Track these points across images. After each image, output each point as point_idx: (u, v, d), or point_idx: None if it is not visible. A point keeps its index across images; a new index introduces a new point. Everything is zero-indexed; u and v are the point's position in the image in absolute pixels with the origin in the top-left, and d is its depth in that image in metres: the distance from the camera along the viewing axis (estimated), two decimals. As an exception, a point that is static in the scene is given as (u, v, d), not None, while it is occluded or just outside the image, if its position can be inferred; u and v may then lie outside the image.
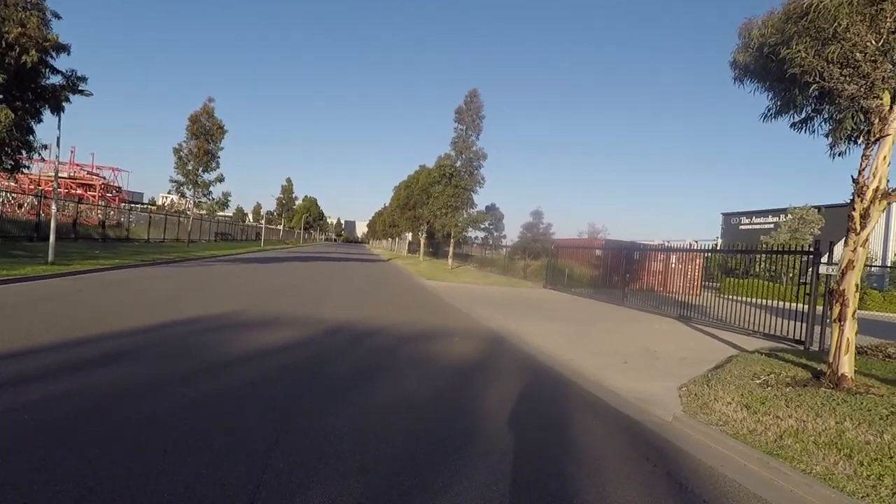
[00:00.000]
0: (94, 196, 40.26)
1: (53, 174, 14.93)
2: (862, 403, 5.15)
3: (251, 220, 76.83)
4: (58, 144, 14.00)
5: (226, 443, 3.48)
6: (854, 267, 5.80)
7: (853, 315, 5.84)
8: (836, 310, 5.92)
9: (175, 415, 3.95)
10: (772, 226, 39.83)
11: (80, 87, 14.08)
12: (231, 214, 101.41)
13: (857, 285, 5.83)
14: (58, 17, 13.96)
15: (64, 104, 13.97)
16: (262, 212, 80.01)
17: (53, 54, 13.89)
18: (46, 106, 13.94)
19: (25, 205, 28.35)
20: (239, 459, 3.24)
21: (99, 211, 29.23)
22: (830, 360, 5.98)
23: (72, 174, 43.04)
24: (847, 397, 5.36)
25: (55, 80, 13.98)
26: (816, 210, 35.58)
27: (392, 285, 18.30)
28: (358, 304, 11.77)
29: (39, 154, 15.36)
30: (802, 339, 9.44)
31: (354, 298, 12.95)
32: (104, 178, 46.06)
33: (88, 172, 44.82)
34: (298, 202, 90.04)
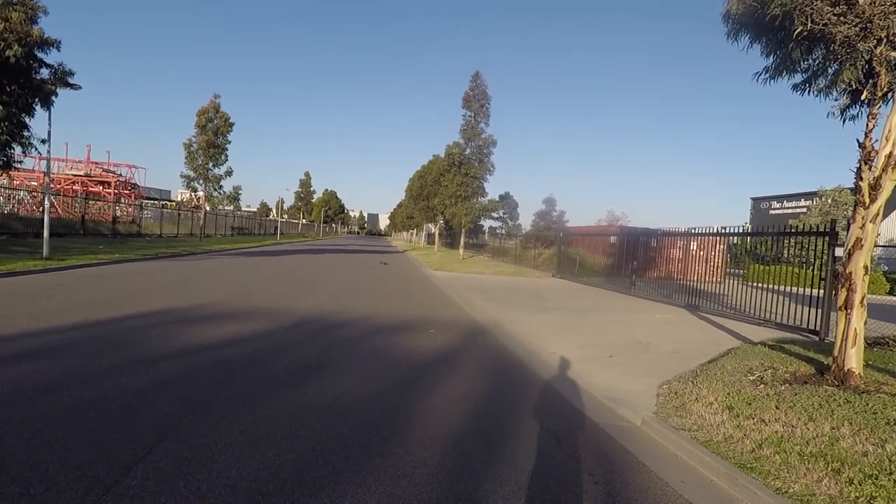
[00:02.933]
0: (109, 193, 40.95)
1: (46, 169, 14.83)
2: (867, 405, 4.40)
3: (275, 215, 77.45)
4: (48, 139, 13.89)
5: (85, 456, 3.01)
6: (862, 246, 5.00)
7: (862, 301, 5.05)
8: (843, 295, 5.13)
9: (52, 419, 3.51)
10: (804, 209, 37.81)
11: (68, 81, 13.90)
12: (255, 209, 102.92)
13: (866, 267, 5.02)
14: (45, 12, 13.83)
15: (53, 98, 13.82)
16: (285, 206, 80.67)
17: (42, 49, 13.80)
18: (36, 100, 13.83)
19: (25, 201, 28.79)
20: (89, 476, 2.77)
21: (113, 207, 29.56)
22: (836, 353, 5.21)
23: (88, 172, 43.88)
24: (851, 397, 4.61)
25: (44, 74, 13.85)
26: (850, 192, 33.64)
27: (393, 276, 17.81)
28: (345, 296, 11.31)
29: (37, 150, 15.32)
30: (818, 328, 8.57)
31: (344, 290, 12.50)
32: (120, 175, 46.83)
33: (104, 170, 45.59)
34: (318, 196, 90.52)
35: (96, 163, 46.49)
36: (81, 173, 43.58)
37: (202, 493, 2.68)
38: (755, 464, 3.45)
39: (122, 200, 39.63)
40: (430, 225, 53.84)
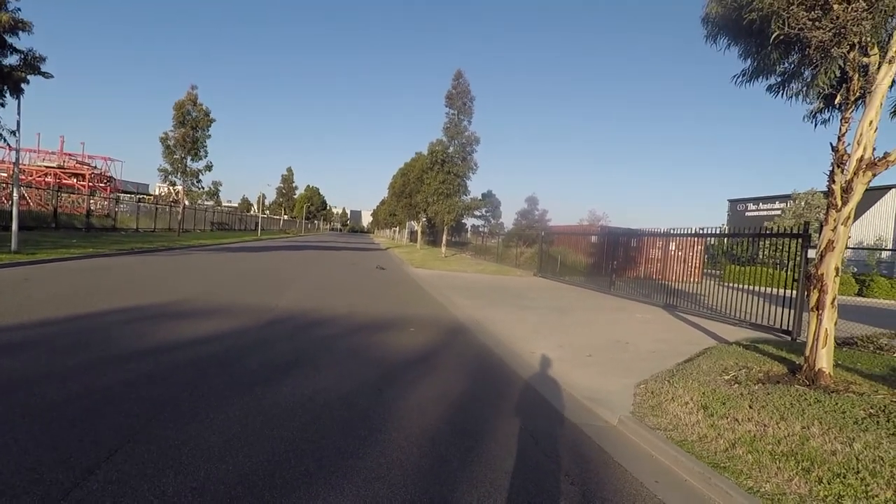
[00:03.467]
0: (83, 186, 39.83)
1: (15, 160, 14.34)
2: (837, 404, 4.49)
3: (256, 210, 76.32)
4: (17, 129, 13.44)
5: (44, 459, 2.90)
6: (834, 248, 5.09)
7: (833, 302, 5.15)
8: (815, 297, 5.23)
9: (9, 420, 3.37)
10: (778, 212, 38.66)
11: (39, 68, 13.46)
12: (236, 205, 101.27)
13: (837, 269, 5.12)
14: (15, -4, 13.36)
15: (23, 86, 13.37)
16: (266, 202, 79.56)
17: (12, 33, 13.32)
18: (5, 88, 13.36)
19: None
20: (46, 480, 2.66)
21: (87, 200, 28.75)
22: (807, 353, 5.30)
23: (61, 164, 42.60)
24: (821, 396, 4.70)
25: (13, 60, 13.38)
26: (823, 195, 34.49)
27: (374, 274, 17.69)
28: (323, 294, 11.18)
29: (5, 140, 14.81)
30: (790, 328, 8.75)
31: (323, 288, 12.36)
32: (95, 167, 45.58)
33: (78, 162, 44.28)
34: (300, 192, 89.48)
35: (70, 154, 45.09)
36: (54, 165, 42.27)
37: (167, 497, 2.59)
38: (728, 463, 3.49)
39: (97, 193, 38.59)
40: (412, 222, 53.63)
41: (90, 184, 41.58)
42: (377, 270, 18.99)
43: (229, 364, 5.16)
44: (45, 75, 13.80)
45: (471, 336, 7.88)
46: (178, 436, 3.33)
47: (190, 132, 28.27)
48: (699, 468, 3.41)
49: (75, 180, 42.03)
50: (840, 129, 4.81)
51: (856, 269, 28.39)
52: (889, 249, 26.06)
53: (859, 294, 22.37)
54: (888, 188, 34.42)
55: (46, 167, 41.87)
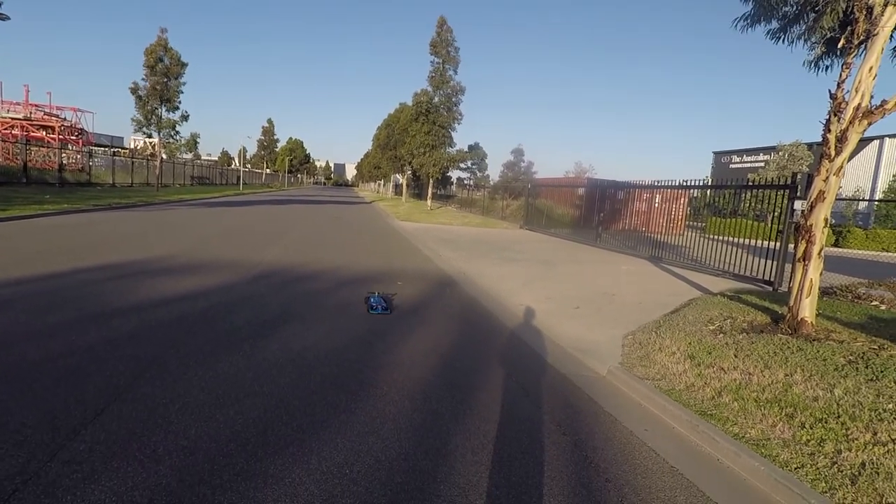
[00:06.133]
0: (53, 139, 38.08)
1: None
2: (818, 352, 4.60)
3: (237, 164, 74.23)
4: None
5: (27, 420, 2.83)
6: (825, 199, 5.08)
7: (819, 253, 5.18)
8: (802, 247, 5.26)
9: (-8, 382, 3.28)
10: (762, 164, 38.80)
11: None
12: (216, 158, 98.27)
13: (826, 220, 5.13)
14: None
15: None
16: (247, 155, 77.28)
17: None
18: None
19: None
20: (31, 441, 2.60)
21: (59, 154, 27.54)
22: (791, 303, 5.39)
23: (28, 115, 40.44)
24: (803, 344, 4.80)
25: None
26: (807, 147, 34.57)
27: (360, 227, 17.50)
28: (310, 248, 11.03)
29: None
30: (772, 279, 8.91)
31: (310, 242, 12.19)
32: (65, 119, 43.43)
33: (46, 113, 42.07)
34: (282, 145, 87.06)
35: (37, 105, 42.74)
36: (20, 116, 40.17)
37: (157, 456, 2.56)
38: (715, 411, 3.56)
39: (69, 147, 37.01)
40: (397, 175, 52.84)
41: (61, 136, 39.70)
42: (362, 224, 18.79)
43: (216, 321, 5.08)
44: (1, 17, 12.84)
45: (459, 289, 7.87)
46: (166, 395, 3.28)
47: (162, 80, 26.90)
48: (687, 416, 3.48)
49: (44, 133, 40.11)
50: (840, 75, 4.68)
51: (833, 221, 28.92)
52: (884, 200, 26.30)
53: (836, 245, 22.87)
54: (869, 140, 34.60)
55: (12, 118, 39.79)
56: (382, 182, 70.56)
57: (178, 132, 28.76)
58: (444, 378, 4.01)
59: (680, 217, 17.16)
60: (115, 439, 2.68)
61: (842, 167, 5.01)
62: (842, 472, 2.77)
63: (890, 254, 20.12)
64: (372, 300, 6.07)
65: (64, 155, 28.76)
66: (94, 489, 2.25)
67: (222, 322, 5.05)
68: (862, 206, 32.52)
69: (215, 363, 3.90)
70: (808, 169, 29.82)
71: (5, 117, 39.96)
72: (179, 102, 27.92)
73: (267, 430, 2.93)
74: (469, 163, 41.12)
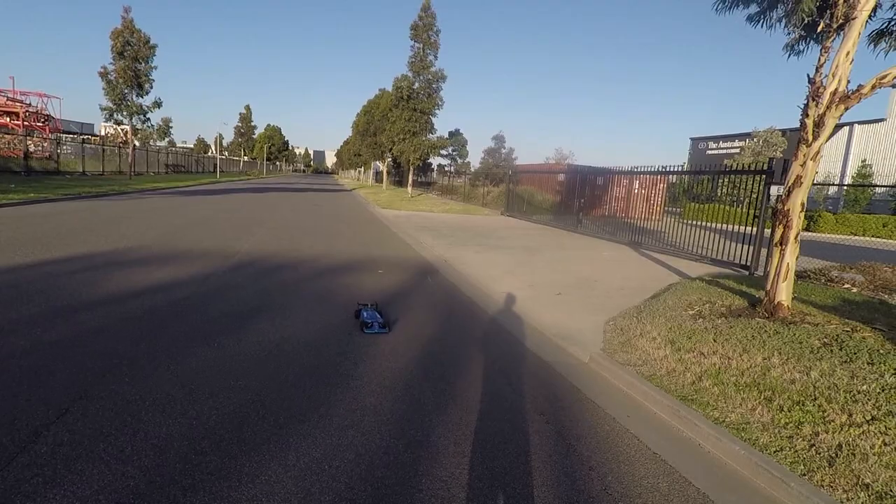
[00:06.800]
0: (17, 125, 36.57)
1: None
2: (794, 335, 4.66)
3: (214, 152, 72.46)
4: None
5: (-13, 420, 2.68)
6: (802, 184, 5.12)
7: (796, 238, 5.24)
8: (779, 232, 5.31)
9: (-52, 382, 3.11)
10: (738, 150, 39.39)
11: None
12: (192, 146, 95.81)
13: (803, 204, 5.18)
14: None
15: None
16: (224, 143, 75.49)
17: None
18: None
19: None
20: (-11, 444, 2.46)
21: (24, 141, 26.47)
22: (768, 287, 5.45)
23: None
24: (780, 328, 4.86)
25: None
26: (781, 133, 35.19)
27: (340, 215, 17.26)
28: (288, 237, 10.82)
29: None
30: (748, 263, 9.05)
31: (288, 230, 11.97)
32: (30, 104, 41.74)
33: (9, 98, 40.33)
34: (260, 131, 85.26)
35: (-1, 90, 41.06)
36: (-20, 102, 38.51)
37: (125, 456, 2.45)
38: (696, 396, 3.58)
39: (35, 134, 35.63)
40: (377, 163, 52.29)
41: (25, 122, 38.15)
42: (342, 212, 18.54)
43: (190, 313, 4.92)
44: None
45: (440, 277, 7.81)
46: (136, 391, 3.15)
47: (131, 64, 25.94)
48: (668, 402, 3.49)
49: (8, 119, 38.51)
50: (819, 59, 4.70)
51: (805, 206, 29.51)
52: (854, 185, 26.80)
53: (807, 229, 23.42)
54: (840, 126, 35.34)
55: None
56: (363, 169, 69.78)
57: (148, 119, 27.89)
58: (426, 368, 3.95)
59: (658, 203, 17.34)
60: (79, 440, 2.56)
61: (819, 152, 5.05)
62: (819, 454, 2.80)
63: (858, 237, 20.69)
64: (365, 314, 4.94)
65: (30, 142, 27.68)
66: (55, 494, 2.14)
67: (196, 314, 4.90)
68: (832, 191, 33.31)
69: (189, 357, 3.77)
70: (782, 155, 30.34)
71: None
72: (151, 87, 27.00)
73: (243, 425, 2.84)
74: (450, 149, 40.91)
